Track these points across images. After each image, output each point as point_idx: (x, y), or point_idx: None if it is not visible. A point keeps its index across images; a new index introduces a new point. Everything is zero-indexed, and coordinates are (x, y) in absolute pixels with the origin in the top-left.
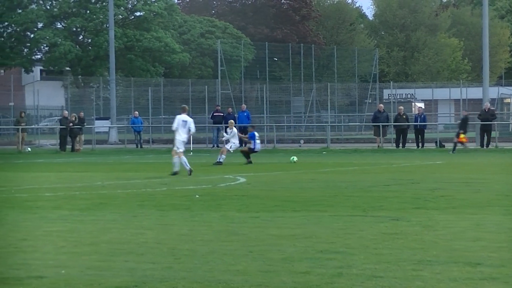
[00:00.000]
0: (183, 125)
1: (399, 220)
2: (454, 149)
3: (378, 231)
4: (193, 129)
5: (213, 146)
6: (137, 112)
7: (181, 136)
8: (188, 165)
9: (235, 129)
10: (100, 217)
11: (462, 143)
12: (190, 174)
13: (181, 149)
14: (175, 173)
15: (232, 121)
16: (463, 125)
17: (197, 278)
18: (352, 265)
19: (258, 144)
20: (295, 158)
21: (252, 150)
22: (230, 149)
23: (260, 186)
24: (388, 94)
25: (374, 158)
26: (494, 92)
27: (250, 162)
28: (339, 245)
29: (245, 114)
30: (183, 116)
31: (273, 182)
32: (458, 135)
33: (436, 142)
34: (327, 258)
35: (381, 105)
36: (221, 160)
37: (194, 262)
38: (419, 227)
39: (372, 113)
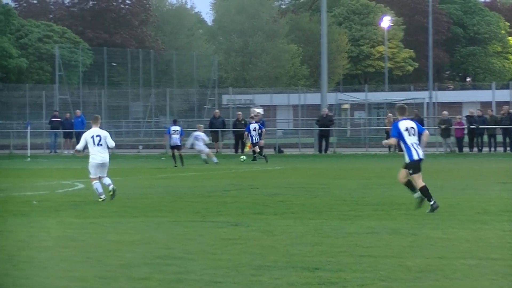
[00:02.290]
0: None
1: (238, 226)
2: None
3: (217, 237)
4: None
5: (51, 152)
6: None
7: None
8: None
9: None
10: None
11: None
12: None
13: None
14: None
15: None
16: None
17: (34, 285)
18: (191, 270)
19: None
20: (244, 157)
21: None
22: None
23: None
24: (227, 100)
25: (213, 164)
26: (332, 98)
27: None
28: (178, 251)
29: (80, 119)
30: None
31: None
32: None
33: (275, 147)
34: (166, 263)
35: (217, 111)
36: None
37: (31, 269)
38: (258, 232)
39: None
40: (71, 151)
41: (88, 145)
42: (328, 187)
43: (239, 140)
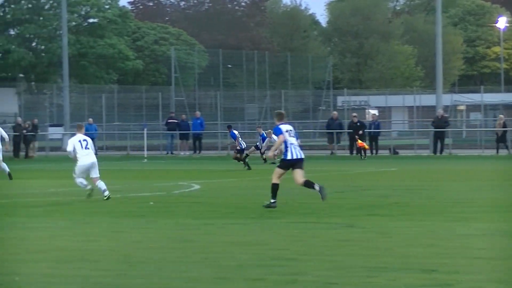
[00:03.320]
0: None
1: (352, 227)
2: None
3: (332, 238)
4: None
5: (168, 153)
6: (91, 119)
7: None
8: None
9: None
10: (53, 224)
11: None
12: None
13: None
14: None
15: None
16: (355, 132)
17: (151, 285)
18: (306, 271)
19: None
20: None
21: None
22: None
23: (214, 193)
24: (342, 101)
25: (328, 165)
26: (447, 99)
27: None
28: (292, 252)
29: (199, 121)
30: None
31: (227, 188)
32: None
33: (390, 149)
34: (281, 264)
35: (335, 112)
36: None
37: (148, 269)
38: (373, 234)
39: (326, 120)
40: (187, 153)
41: (77, 149)
42: (443, 188)
43: (354, 142)
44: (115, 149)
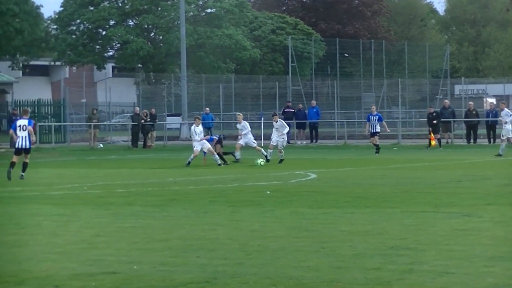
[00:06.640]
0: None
1: (470, 216)
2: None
3: (450, 227)
4: None
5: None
6: (208, 109)
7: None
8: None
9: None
10: (172, 213)
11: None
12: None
13: None
14: None
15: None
16: (430, 123)
17: (268, 274)
18: (423, 261)
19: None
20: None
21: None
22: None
23: (331, 182)
24: (460, 90)
25: (445, 154)
26: None
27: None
28: (410, 241)
29: (315, 110)
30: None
31: (344, 178)
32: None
33: (508, 138)
34: (398, 254)
35: (446, 101)
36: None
37: (265, 258)
38: (491, 223)
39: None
40: (304, 142)
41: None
42: None
43: (471, 130)
44: (232, 138)
